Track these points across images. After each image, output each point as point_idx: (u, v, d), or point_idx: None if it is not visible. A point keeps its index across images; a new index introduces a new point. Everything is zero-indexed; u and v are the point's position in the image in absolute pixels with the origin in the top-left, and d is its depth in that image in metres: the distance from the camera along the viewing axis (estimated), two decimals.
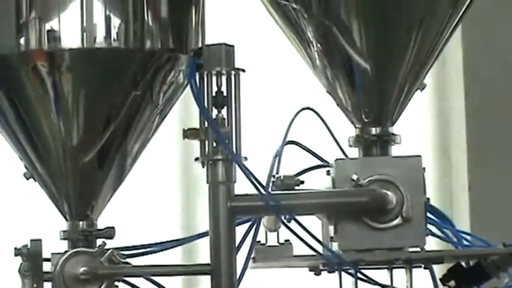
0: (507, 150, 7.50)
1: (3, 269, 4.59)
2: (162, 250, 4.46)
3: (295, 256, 4.25)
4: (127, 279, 4.21)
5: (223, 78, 4.05)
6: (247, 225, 4.24)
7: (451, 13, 4.42)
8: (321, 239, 4.24)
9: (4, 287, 4.69)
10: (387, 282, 4.31)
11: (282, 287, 4.78)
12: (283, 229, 4.19)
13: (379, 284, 4.39)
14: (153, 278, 4.29)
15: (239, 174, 4.09)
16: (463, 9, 4.47)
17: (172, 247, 4.49)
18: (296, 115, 4.27)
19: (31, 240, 4.14)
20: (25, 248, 4.15)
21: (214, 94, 4.10)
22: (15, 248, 4.15)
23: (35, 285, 4.15)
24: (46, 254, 4.18)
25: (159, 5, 4.24)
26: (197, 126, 4.12)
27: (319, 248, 4.18)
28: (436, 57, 4.54)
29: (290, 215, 4.15)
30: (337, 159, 4.23)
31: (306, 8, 4.29)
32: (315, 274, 4.34)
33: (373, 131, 4.28)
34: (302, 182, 4.28)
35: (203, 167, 4.08)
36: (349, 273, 4.23)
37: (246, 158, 4.11)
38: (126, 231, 4.41)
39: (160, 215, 6.13)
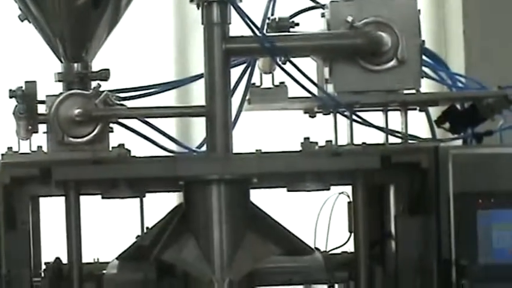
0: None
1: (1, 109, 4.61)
2: (157, 93, 4.56)
3: (290, 98, 4.36)
4: (121, 121, 4.19)
5: None
6: (242, 67, 4.19)
7: None
8: (316, 81, 4.28)
9: None
10: (382, 124, 4.34)
11: (277, 129, 4.80)
12: (278, 71, 4.20)
13: (375, 126, 4.37)
14: (147, 120, 4.20)
15: (234, 16, 4.02)
16: None
17: (167, 89, 4.55)
18: None
19: (26, 82, 4.19)
20: (20, 89, 4.21)
21: None
22: (10, 90, 4.18)
23: (29, 127, 4.20)
24: (41, 96, 4.20)
25: None
26: None
27: (315, 90, 4.17)
28: None
29: (285, 56, 4.16)
30: (332, 1, 4.27)
31: None
32: (310, 116, 4.50)
33: None
34: (297, 24, 4.29)
35: (198, 9, 4.11)
36: (345, 115, 4.28)
37: (240, 0, 4.02)
38: (121, 74, 4.46)
39: (155, 58, 6.06)
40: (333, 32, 4.26)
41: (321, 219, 4.67)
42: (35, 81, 4.25)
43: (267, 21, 4.40)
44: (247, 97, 4.29)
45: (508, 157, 4.26)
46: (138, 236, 4.41)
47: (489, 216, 4.15)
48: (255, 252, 4.45)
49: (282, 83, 4.25)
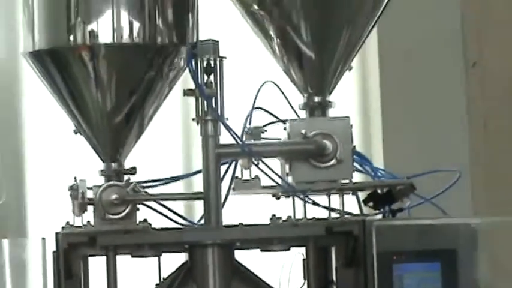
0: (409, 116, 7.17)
1: (62, 196, 4.51)
2: (169, 183, 4.63)
3: (262, 187, 4.42)
4: (145, 203, 4.41)
5: (211, 63, 4.27)
6: (228, 165, 4.45)
7: (372, 15, 4.61)
8: (280, 174, 4.48)
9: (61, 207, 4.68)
10: (326, 204, 4.44)
11: (253, 208, 4.91)
12: (254, 168, 4.40)
13: (321, 206, 4.52)
14: (162, 202, 4.47)
15: (223, 129, 4.30)
16: (380, 11, 4.63)
17: (176, 180, 4.70)
18: (261, 86, 4.44)
19: (80, 180, 4.35)
20: (75, 185, 4.36)
21: (205, 65, 4.27)
22: (69, 187, 4.39)
23: (81, 208, 4.34)
24: (89, 184, 4.38)
25: (166, 11, 4.36)
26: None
27: (279, 180, 4.43)
28: (359, 48, 4.71)
29: (259, 157, 4.38)
30: (291, 120, 4.48)
31: (268, 13, 4.48)
32: (276, 199, 4.48)
33: (316, 99, 4.50)
34: (266, 130, 4.47)
35: (197, 125, 4.32)
36: (300, 198, 4.41)
37: (227, 118, 4.29)
38: (144, 169, 4.56)
39: (167, 158, 6.17)
40: (292, 141, 4.43)
41: (284, 272, 4.69)
42: (84, 180, 4.36)
43: (246, 129, 4.47)
44: (232, 186, 4.43)
45: (414, 226, 4.31)
46: (156, 284, 4.51)
47: (401, 268, 4.20)
48: None
49: (256, 176, 4.39)
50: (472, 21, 7.26)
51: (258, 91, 4.45)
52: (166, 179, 4.61)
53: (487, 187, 6.46)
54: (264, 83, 4.46)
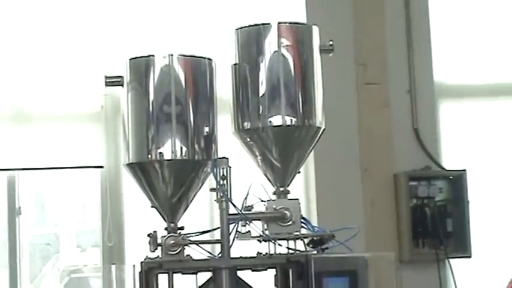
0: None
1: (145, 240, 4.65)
2: (202, 234, 4.77)
3: (252, 236, 4.62)
4: (189, 245, 4.62)
5: (225, 169, 4.46)
6: (235, 224, 4.59)
7: (310, 146, 4.76)
8: (261, 229, 4.66)
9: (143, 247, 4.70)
10: (289, 245, 4.64)
11: (247, 247, 4.71)
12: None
13: (284, 246, 4.65)
14: (200, 245, 4.67)
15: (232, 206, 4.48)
16: (315, 143, 4.74)
17: (205, 233, 4.81)
18: (251, 185, 4.58)
19: (154, 231, 4.61)
20: (152, 234, 4.59)
21: (221, 173, 4.47)
22: (148, 235, 4.59)
23: (154, 249, 4.62)
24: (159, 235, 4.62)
25: (200, 140, 4.61)
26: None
27: (261, 232, 4.62)
28: (304, 162, 4.84)
29: (250, 221, 4.58)
30: (267, 200, 4.67)
31: (254, 143, 4.68)
32: (259, 242, 4.66)
33: (281, 189, 4.70)
34: (253, 207, 4.60)
35: (217, 203, 4.52)
36: (272, 242, 4.60)
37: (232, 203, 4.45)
38: (188, 226, 4.78)
39: (201, 221, 6.26)
40: (268, 212, 4.64)
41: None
42: (156, 231, 4.60)
43: (245, 204, 4.59)
44: (236, 235, 4.58)
45: (333, 257, 4.58)
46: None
47: (328, 281, 4.41)
48: None
49: (249, 231, 4.59)
50: None
51: (249, 188, 4.56)
52: (200, 232, 4.77)
53: (371, 237, 6.65)
54: (252, 182, 4.58)
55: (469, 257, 6.91)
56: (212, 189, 4.42)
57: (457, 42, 7.45)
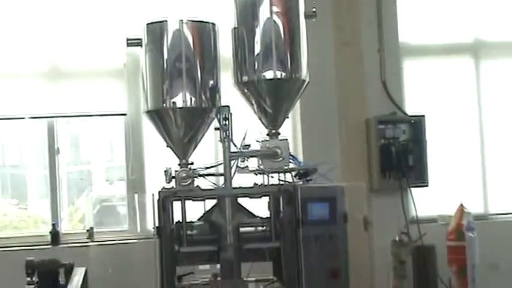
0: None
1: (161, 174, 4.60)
2: (208, 168, 4.67)
3: (250, 170, 4.59)
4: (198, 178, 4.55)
5: (227, 115, 4.44)
6: (235, 160, 4.52)
7: (296, 96, 4.76)
8: (257, 165, 4.62)
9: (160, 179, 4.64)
10: (280, 178, 4.62)
11: (246, 180, 4.67)
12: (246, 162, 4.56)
13: (275, 178, 4.63)
14: (207, 177, 4.62)
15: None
16: (301, 93, 4.72)
17: (212, 167, 4.70)
18: (247, 129, 4.58)
19: (168, 167, 4.57)
20: (167, 169, 4.53)
21: (224, 116, 4.46)
22: (164, 171, 4.55)
23: (169, 181, 4.56)
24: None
25: (206, 91, 4.60)
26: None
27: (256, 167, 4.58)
28: (291, 109, 4.84)
29: (247, 157, 4.54)
30: (262, 140, 4.64)
31: (251, 93, 4.66)
32: (255, 175, 4.64)
33: (273, 131, 4.69)
34: (250, 145, 4.58)
35: (220, 142, 4.49)
36: (266, 175, 4.59)
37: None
38: (197, 161, 4.70)
39: (208, 157, 5.50)
40: (262, 150, 4.60)
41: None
42: (171, 167, 4.56)
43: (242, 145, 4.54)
44: (236, 169, 4.51)
45: (316, 187, 4.56)
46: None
47: (312, 205, 4.40)
48: None
49: (247, 166, 4.57)
50: None
51: (246, 131, 4.56)
52: (207, 167, 4.71)
53: (347, 170, 6.60)
54: (249, 126, 4.59)
55: (426, 186, 6.90)
56: (216, 128, 4.43)
57: (420, 7, 7.31)
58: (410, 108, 7.17)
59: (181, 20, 4.51)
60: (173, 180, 4.53)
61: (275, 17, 4.51)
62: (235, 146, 4.45)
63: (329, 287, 4.41)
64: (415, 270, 6.01)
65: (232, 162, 4.47)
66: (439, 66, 7.33)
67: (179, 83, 4.49)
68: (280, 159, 4.57)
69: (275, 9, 4.51)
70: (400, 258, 5.88)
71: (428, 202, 7.10)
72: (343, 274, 4.43)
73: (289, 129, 6.79)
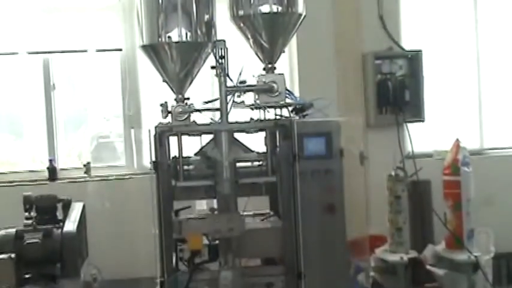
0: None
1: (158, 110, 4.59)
2: (206, 103, 4.69)
3: (246, 105, 4.59)
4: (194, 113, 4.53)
5: (223, 49, 4.33)
6: (231, 95, 4.48)
7: (293, 29, 4.73)
8: (253, 99, 4.62)
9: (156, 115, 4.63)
10: (277, 113, 4.64)
11: (241, 114, 4.66)
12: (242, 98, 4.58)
13: (274, 114, 4.63)
14: (203, 112, 4.61)
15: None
16: (297, 27, 4.71)
17: (209, 103, 4.70)
18: (243, 67, 4.55)
19: (165, 101, 4.55)
20: (163, 104, 4.51)
21: (219, 53, 4.36)
22: (160, 104, 4.53)
23: (165, 116, 4.54)
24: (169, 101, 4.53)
25: (202, 26, 4.54)
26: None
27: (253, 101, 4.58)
28: (287, 43, 4.80)
29: (244, 91, 4.57)
30: (258, 75, 4.65)
31: (247, 28, 4.66)
32: (251, 110, 4.66)
33: (269, 65, 4.70)
34: (246, 81, 4.60)
35: (217, 77, 4.42)
36: (263, 109, 4.58)
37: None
38: (194, 97, 4.69)
39: (204, 93, 5.70)
40: (259, 85, 4.61)
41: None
42: (167, 102, 4.53)
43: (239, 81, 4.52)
44: (232, 104, 4.50)
45: (312, 122, 4.57)
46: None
47: (308, 140, 4.45)
48: None
49: (243, 101, 4.59)
50: None
51: (242, 67, 4.54)
52: (204, 102, 4.74)
53: (343, 105, 6.48)
54: (244, 64, 4.55)
55: (422, 121, 6.94)
56: (212, 67, 4.36)
57: None
58: (408, 43, 7.12)
59: None
60: (169, 115, 4.52)
61: None
62: (231, 80, 4.42)
63: (325, 221, 4.44)
64: (410, 205, 6.03)
65: (229, 97, 4.45)
66: (436, 2, 7.31)
67: (174, 17, 4.42)
68: (277, 94, 4.55)
69: None
70: (395, 193, 5.92)
71: (424, 138, 7.15)
72: (339, 208, 4.46)
73: (286, 64, 6.75)
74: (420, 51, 7.02)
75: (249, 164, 4.58)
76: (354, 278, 5.96)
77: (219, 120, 4.48)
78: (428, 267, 6.10)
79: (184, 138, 4.49)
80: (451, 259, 5.87)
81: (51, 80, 6.91)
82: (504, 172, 6.95)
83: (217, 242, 4.44)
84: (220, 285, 4.38)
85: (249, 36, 4.63)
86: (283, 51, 4.69)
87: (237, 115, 4.57)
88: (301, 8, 4.58)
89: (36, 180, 6.62)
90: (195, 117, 4.56)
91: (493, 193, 6.83)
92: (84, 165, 6.70)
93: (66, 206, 5.18)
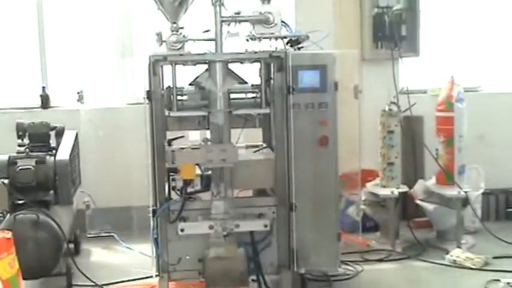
0: None
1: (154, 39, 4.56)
2: (204, 33, 4.67)
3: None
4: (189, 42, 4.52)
5: None
6: (227, 25, 4.50)
7: None
8: (249, 30, 4.61)
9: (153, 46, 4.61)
10: (272, 44, 4.63)
11: (237, 45, 4.69)
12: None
13: (267, 41, 4.63)
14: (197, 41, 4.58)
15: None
16: None
17: (205, 32, 4.69)
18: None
19: (160, 31, 4.54)
20: (158, 33, 4.50)
21: None
22: (155, 33, 4.51)
23: (160, 45, 4.53)
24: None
25: None
26: None
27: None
28: None
29: (240, 21, 4.53)
30: (255, 6, 4.54)
31: None
32: (246, 40, 4.65)
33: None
34: (241, 12, 4.55)
35: (212, 6, 4.44)
36: (258, 40, 4.59)
37: None
38: (187, 28, 4.62)
39: (200, 24, 5.21)
40: (255, 15, 4.57)
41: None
42: (161, 32, 4.52)
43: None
44: (228, 34, 4.54)
45: (307, 54, 4.62)
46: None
47: (302, 73, 4.49)
48: None
49: (238, 32, 4.61)
50: None
51: None
52: (202, 32, 4.70)
53: (340, 38, 6.48)
54: None
55: (418, 56, 6.88)
56: None
57: None
58: None
59: None
60: (164, 44, 4.50)
61: None
62: (226, 10, 4.44)
63: (317, 153, 4.50)
64: (402, 140, 6.05)
65: (224, 27, 4.45)
66: None
67: None
68: (272, 25, 4.54)
69: None
70: (388, 128, 5.93)
71: (419, 74, 7.11)
72: (332, 141, 4.51)
73: None
74: None
75: (243, 95, 4.59)
76: (344, 211, 6.04)
77: (215, 52, 4.45)
78: (418, 201, 6.11)
79: (179, 68, 4.49)
80: (441, 194, 5.91)
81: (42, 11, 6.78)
82: (497, 109, 6.91)
83: (209, 172, 4.49)
84: (212, 215, 4.41)
85: None
86: None
87: (232, 47, 4.57)
88: None
89: (29, 108, 6.57)
90: (190, 47, 4.55)
91: (485, 129, 6.85)
92: (78, 93, 6.62)
93: (59, 133, 5.18)
